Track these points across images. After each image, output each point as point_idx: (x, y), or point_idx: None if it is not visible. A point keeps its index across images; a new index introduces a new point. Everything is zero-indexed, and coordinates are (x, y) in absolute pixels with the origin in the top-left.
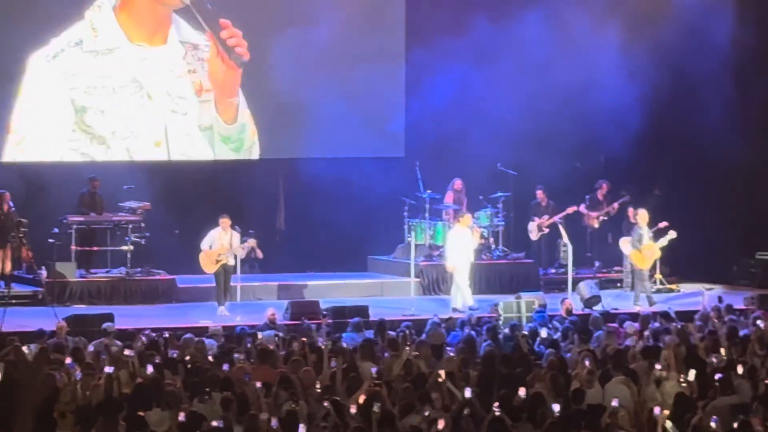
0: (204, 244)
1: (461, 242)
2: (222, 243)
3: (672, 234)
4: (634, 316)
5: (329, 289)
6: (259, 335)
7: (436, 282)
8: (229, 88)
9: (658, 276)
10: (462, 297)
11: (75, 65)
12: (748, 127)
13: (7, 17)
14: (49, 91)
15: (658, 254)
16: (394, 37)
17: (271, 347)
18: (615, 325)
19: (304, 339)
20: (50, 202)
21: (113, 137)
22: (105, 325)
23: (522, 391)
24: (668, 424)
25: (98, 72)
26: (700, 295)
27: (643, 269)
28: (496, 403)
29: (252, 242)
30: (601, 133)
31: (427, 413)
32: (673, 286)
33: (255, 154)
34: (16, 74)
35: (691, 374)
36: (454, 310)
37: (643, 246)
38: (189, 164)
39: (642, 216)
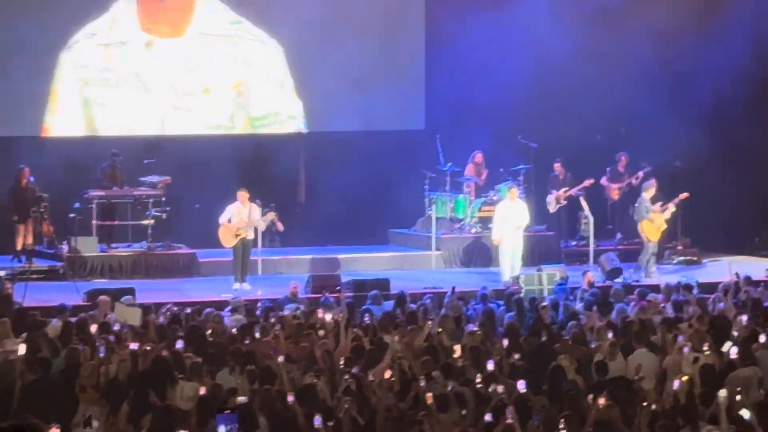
0: (222, 218)
1: (507, 215)
2: (241, 217)
3: (672, 208)
4: (655, 288)
5: (350, 263)
6: (284, 309)
7: (457, 255)
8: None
9: (679, 247)
10: (502, 269)
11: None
12: None
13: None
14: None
15: (664, 226)
16: (414, 8)
17: (293, 321)
18: (633, 297)
19: (324, 312)
20: (71, 176)
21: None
22: (123, 299)
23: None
24: (745, 413)
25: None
26: (722, 267)
27: (652, 241)
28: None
29: (272, 215)
30: (621, 104)
31: (450, 387)
32: (694, 258)
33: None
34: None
35: (726, 346)
36: (504, 282)
37: (653, 217)
38: (208, 138)
39: (649, 190)
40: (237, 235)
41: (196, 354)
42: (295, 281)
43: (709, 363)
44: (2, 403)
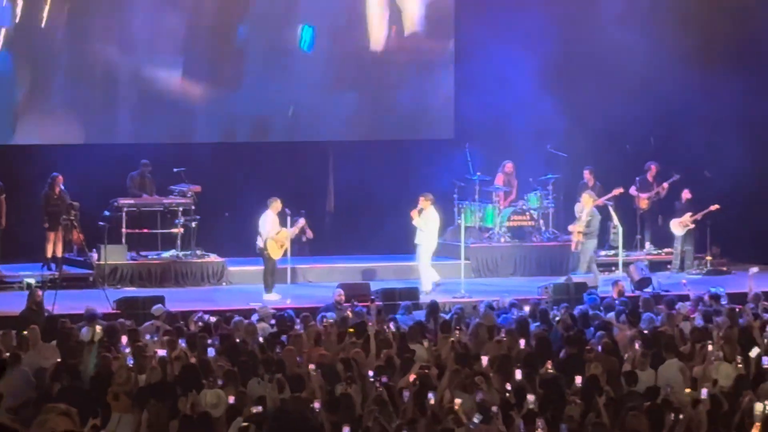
0: (271, 231)
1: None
2: (281, 227)
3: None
4: (684, 298)
5: (378, 271)
6: (317, 318)
7: (485, 264)
8: None
9: (708, 258)
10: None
11: None
12: None
13: None
14: None
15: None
16: (443, 16)
17: (320, 328)
18: (661, 306)
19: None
20: (101, 184)
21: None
22: (154, 308)
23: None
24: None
25: None
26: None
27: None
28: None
29: (302, 222)
30: (650, 114)
31: (479, 396)
32: (723, 268)
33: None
34: None
35: (754, 352)
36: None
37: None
38: (237, 146)
39: (586, 200)
40: (282, 245)
41: (229, 362)
42: (340, 289)
43: (741, 373)
44: (37, 410)
